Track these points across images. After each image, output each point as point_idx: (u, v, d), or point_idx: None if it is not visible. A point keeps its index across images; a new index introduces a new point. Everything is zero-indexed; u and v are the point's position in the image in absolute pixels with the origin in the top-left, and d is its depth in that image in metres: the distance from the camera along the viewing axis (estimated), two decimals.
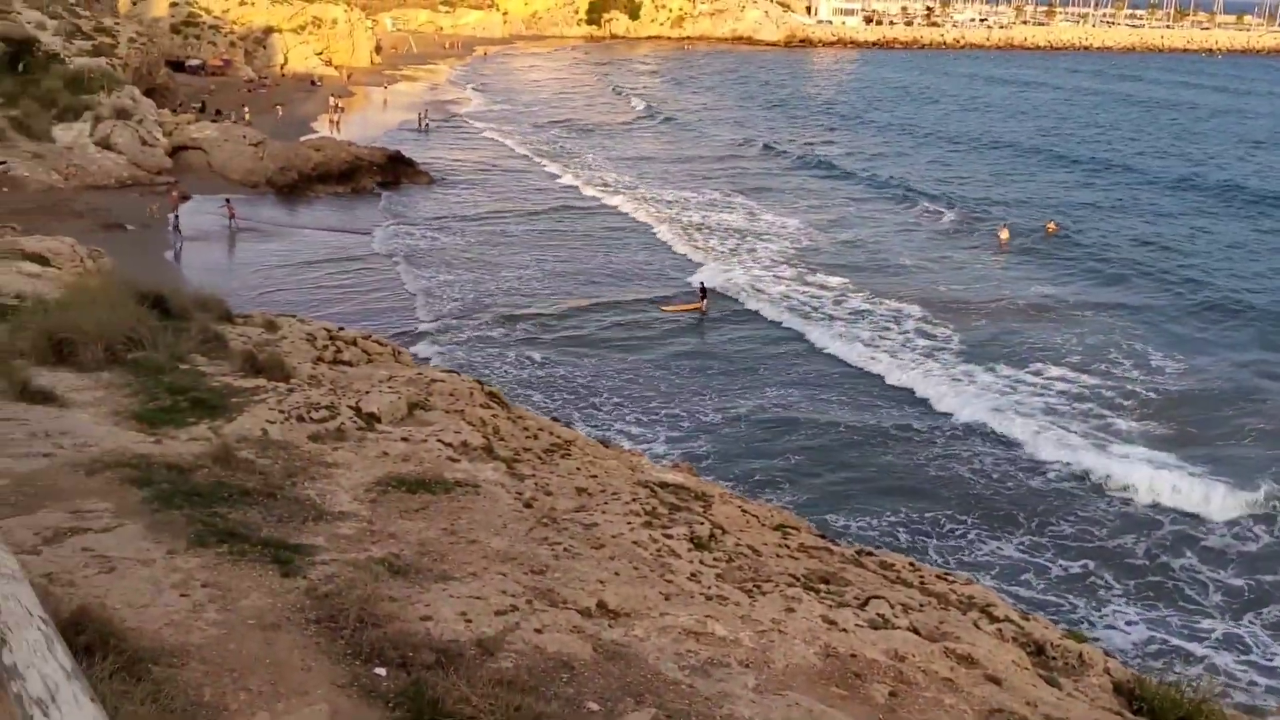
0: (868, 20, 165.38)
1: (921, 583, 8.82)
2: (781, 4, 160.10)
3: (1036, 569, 18.08)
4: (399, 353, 14.02)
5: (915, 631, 7.09)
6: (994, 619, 8.12)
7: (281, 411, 8.62)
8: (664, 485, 10.25)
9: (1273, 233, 46.27)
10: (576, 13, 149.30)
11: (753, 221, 44.37)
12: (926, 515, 19.71)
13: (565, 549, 7.11)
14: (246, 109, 58.02)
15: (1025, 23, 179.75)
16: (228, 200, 37.82)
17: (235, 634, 5.01)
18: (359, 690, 4.76)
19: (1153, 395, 25.87)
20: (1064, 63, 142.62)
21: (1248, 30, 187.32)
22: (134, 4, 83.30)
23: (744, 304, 32.58)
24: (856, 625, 6.80)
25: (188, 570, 5.57)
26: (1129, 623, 16.65)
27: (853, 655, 6.29)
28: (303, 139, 50.87)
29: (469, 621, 5.58)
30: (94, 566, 5.41)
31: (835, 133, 73.02)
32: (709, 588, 7.05)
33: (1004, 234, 43.13)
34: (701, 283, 33.30)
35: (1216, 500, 20.15)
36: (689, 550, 7.81)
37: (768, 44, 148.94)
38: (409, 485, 7.64)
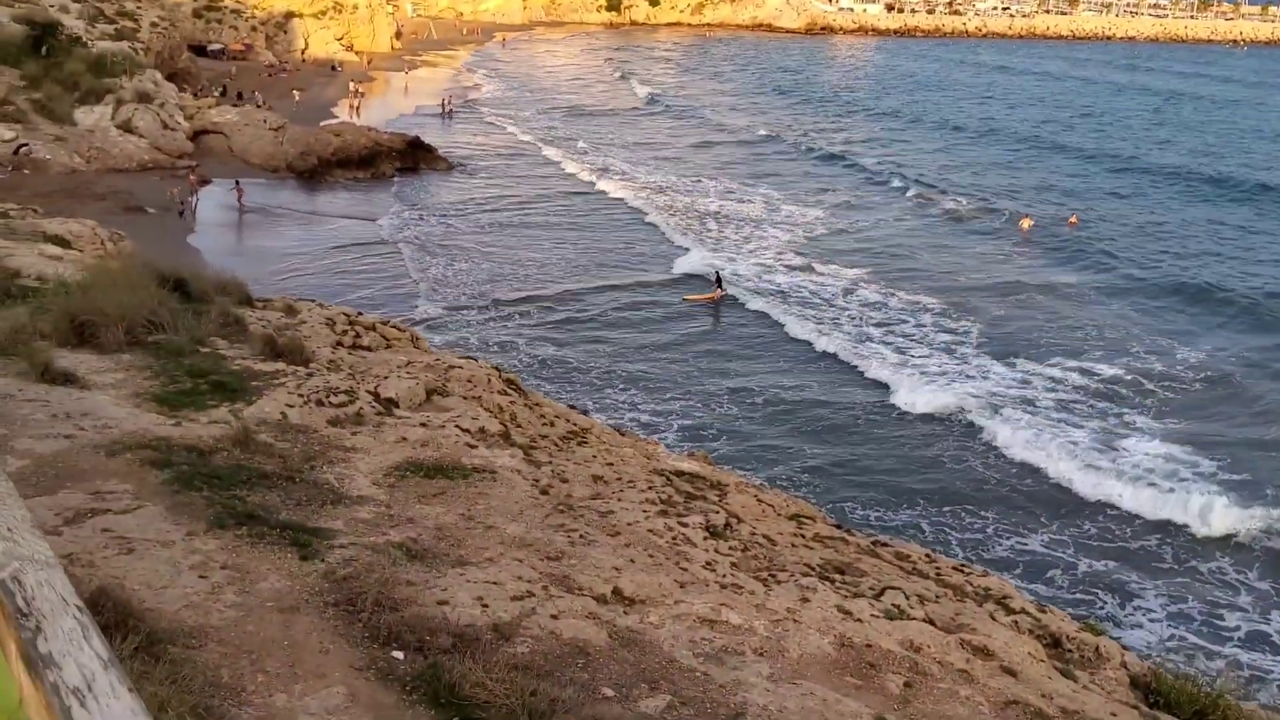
0: (889, 8, 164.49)
1: (938, 574, 8.80)
2: None
3: (1062, 564, 18.00)
4: (417, 339, 14.05)
5: (931, 622, 7.07)
6: (1010, 611, 8.09)
7: (301, 395, 8.66)
8: (679, 474, 10.26)
9: None
10: None
11: (770, 211, 44.29)
12: (945, 509, 19.66)
13: (581, 536, 7.13)
14: (257, 93, 58.00)
15: (1048, 11, 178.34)
16: (237, 182, 37.99)
17: (253, 616, 5.05)
18: (376, 673, 4.79)
19: (1175, 394, 25.50)
20: (1086, 53, 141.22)
21: (1273, 21, 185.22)
22: None
23: (753, 292, 32.45)
24: (872, 615, 6.79)
25: (207, 552, 5.61)
26: (1153, 619, 16.56)
27: (868, 645, 6.29)
28: (323, 124, 50.96)
29: (485, 606, 5.60)
30: (114, 547, 5.46)
31: (848, 120, 72.59)
32: (724, 576, 7.05)
33: (1026, 223, 42.90)
34: (717, 272, 33.25)
35: (1240, 509, 19.81)
36: (704, 539, 7.82)
37: (788, 31, 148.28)
38: (427, 470, 7.66)
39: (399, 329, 14.08)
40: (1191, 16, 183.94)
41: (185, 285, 11.24)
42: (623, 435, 12.63)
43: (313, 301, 13.68)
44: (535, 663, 5.15)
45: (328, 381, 9.21)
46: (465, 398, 10.20)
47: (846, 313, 30.93)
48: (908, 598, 7.51)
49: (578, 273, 33.76)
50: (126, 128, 41.33)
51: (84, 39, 45.32)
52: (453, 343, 25.54)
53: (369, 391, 9.21)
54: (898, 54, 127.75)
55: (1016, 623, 7.80)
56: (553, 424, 10.89)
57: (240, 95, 58.50)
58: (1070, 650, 7.79)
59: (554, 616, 5.68)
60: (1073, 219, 43.80)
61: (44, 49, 41.79)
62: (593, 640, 5.54)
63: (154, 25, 59.71)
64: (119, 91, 42.48)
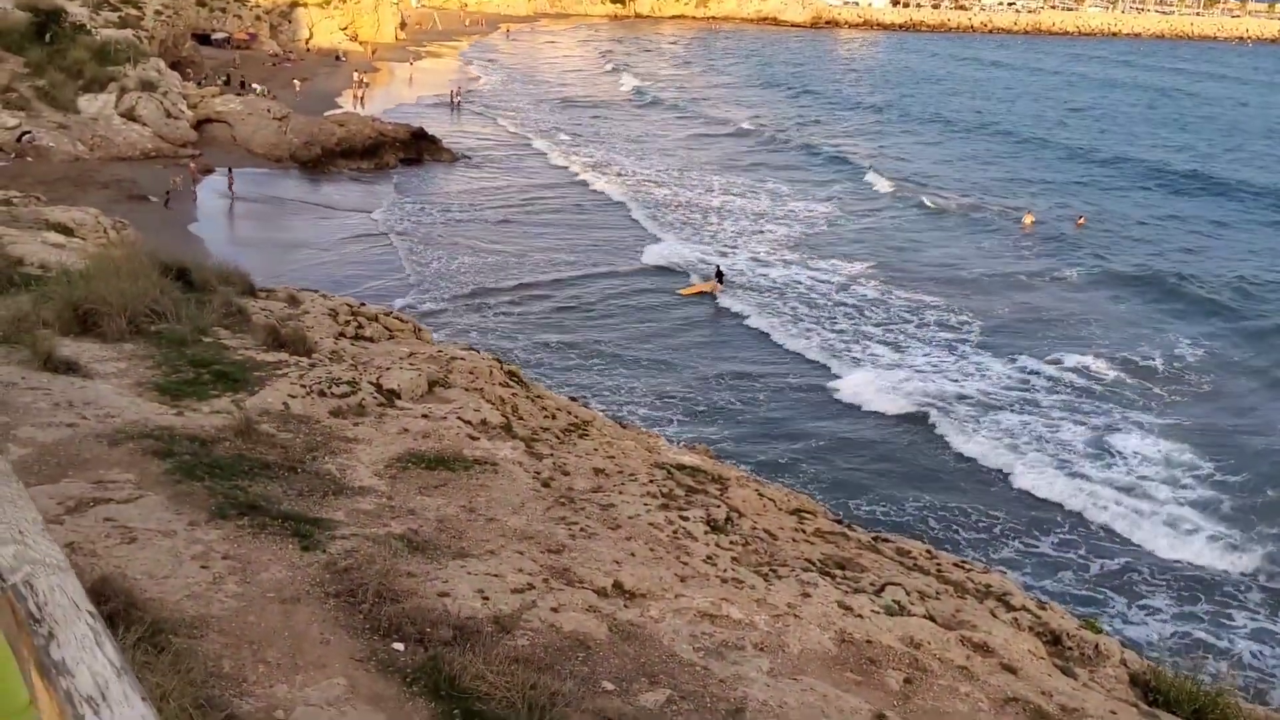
0: (895, 2, 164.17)
1: (938, 570, 8.80)
2: None
3: (1072, 565, 17.99)
4: (420, 330, 14.05)
5: (931, 619, 7.08)
6: (1011, 608, 8.10)
7: (303, 386, 8.66)
8: (680, 467, 10.26)
9: None
10: None
11: (772, 205, 44.32)
12: (950, 505, 19.65)
13: (582, 529, 7.13)
14: (256, 85, 57.78)
15: (1054, 7, 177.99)
16: (229, 170, 37.95)
17: (255, 606, 5.05)
18: (377, 664, 4.79)
19: (1179, 395, 25.41)
20: (1093, 50, 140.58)
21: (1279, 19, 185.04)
22: None
23: (749, 288, 32.41)
24: (872, 611, 6.79)
25: (208, 542, 5.62)
26: (1161, 619, 16.55)
27: (868, 641, 6.29)
28: (327, 114, 50.90)
29: (486, 599, 5.60)
30: (116, 537, 5.46)
31: (844, 115, 72.35)
32: (724, 571, 7.05)
33: (1028, 219, 42.86)
34: (718, 266, 33.27)
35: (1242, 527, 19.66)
36: (705, 533, 7.82)
37: (793, 25, 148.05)
38: (428, 462, 7.67)
39: (401, 320, 14.07)
40: (1197, 13, 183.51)
41: (188, 274, 11.24)
42: (624, 428, 12.63)
43: (315, 292, 13.67)
44: (535, 656, 5.16)
45: (330, 372, 9.21)
46: (467, 389, 10.20)
47: (843, 308, 30.88)
48: (908, 594, 7.51)
49: (564, 264, 33.92)
50: (130, 116, 41.30)
51: (88, 26, 45.24)
52: (452, 335, 25.59)
53: (371, 382, 9.21)
54: (900, 49, 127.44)
55: (1017, 620, 7.80)
56: (554, 416, 10.89)
57: (243, 84, 58.39)
58: (1070, 648, 7.80)
59: (554, 609, 5.68)
60: (1081, 220, 43.58)
61: (48, 36, 41.72)
62: (593, 633, 5.54)
63: (158, 13, 59.62)
64: (122, 80, 42.43)
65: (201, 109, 46.25)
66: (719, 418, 22.93)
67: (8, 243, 12.27)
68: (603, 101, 73.10)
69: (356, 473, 7.24)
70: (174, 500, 6.05)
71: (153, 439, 6.86)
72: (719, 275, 32.43)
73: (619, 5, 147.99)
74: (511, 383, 11.32)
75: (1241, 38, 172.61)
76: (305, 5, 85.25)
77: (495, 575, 5.93)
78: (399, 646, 4.96)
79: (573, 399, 14.09)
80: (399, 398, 9.21)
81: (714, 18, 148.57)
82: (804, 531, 9.10)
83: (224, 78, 59.96)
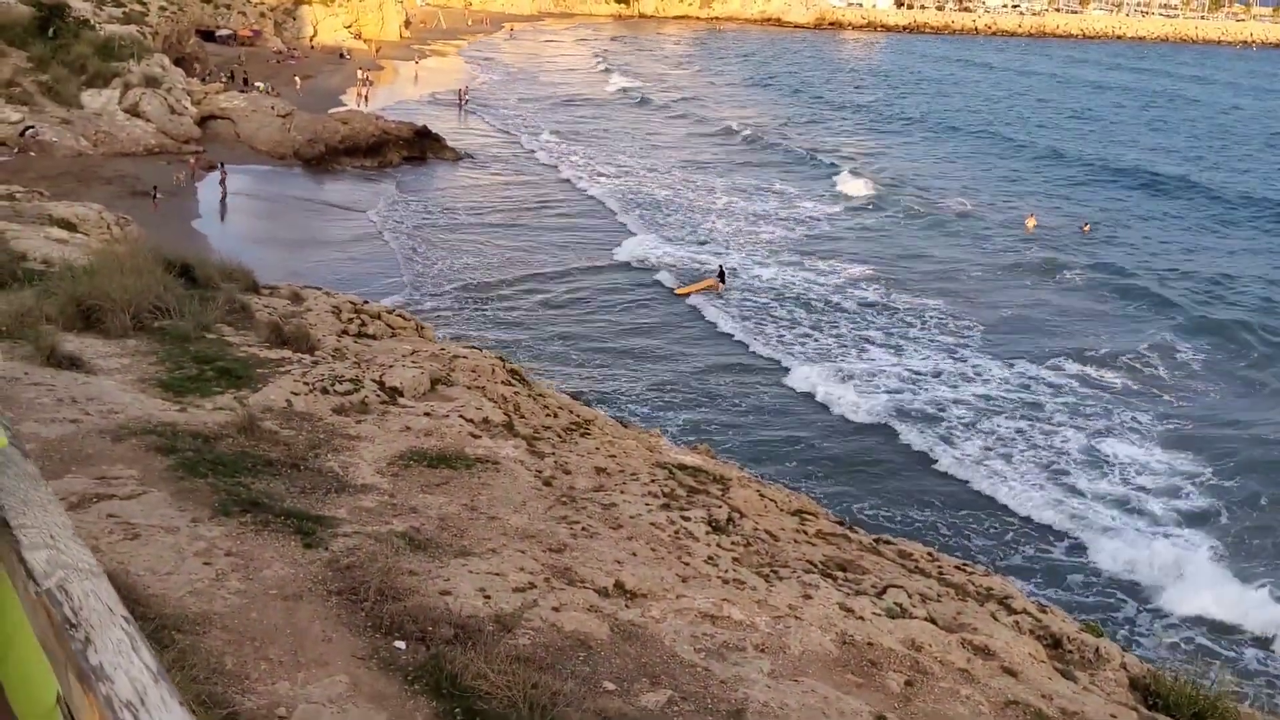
0: (899, 3, 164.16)
1: (940, 573, 8.80)
2: None
3: (1082, 570, 17.97)
4: (422, 328, 14.06)
5: (932, 621, 7.07)
6: (1012, 611, 8.09)
7: (306, 383, 8.66)
8: (682, 467, 10.25)
9: None
10: None
11: (769, 205, 44.34)
12: (961, 512, 19.63)
13: (584, 528, 7.13)
14: (259, 84, 57.73)
15: (1058, 10, 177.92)
16: (221, 165, 37.88)
17: (257, 604, 5.06)
18: (378, 662, 4.79)
19: (1184, 404, 25.27)
20: (1098, 54, 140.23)
21: None
22: None
23: (750, 290, 32.42)
24: (873, 613, 6.79)
25: (211, 539, 5.62)
26: (1169, 625, 16.54)
27: (869, 643, 6.29)
28: (331, 111, 50.92)
29: (488, 598, 5.61)
30: (119, 533, 5.46)
31: (842, 117, 72.26)
32: (726, 571, 7.05)
33: (1030, 221, 42.88)
34: (720, 265, 33.28)
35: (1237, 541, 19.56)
36: (706, 533, 7.82)
37: (797, 25, 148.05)
38: (430, 460, 7.67)
39: (404, 318, 14.08)
40: (1202, 17, 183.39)
41: (191, 271, 11.25)
42: (625, 427, 12.63)
43: (318, 289, 13.68)
44: (537, 655, 5.16)
45: (333, 369, 9.22)
46: (469, 387, 10.21)
47: (842, 311, 30.85)
48: (910, 596, 7.51)
49: (549, 263, 34.18)
50: (133, 112, 41.32)
51: (92, 22, 45.28)
52: (454, 333, 25.62)
53: (374, 380, 9.21)
54: (902, 51, 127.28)
55: (1018, 623, 7.80)
56: (556, 415, 10.89)
57: (246, 80, 58.40)
58: (1071, 651, 7.79)
59: (556, 609, 5.69)
60: (1085, 226, 43.48)
61: (51, 31, 41.75)
62: (594, 633, 5.54)
63: (162, 9, 59.64)
64: (126, 75, 42.46)
65: (205, 105, 46.27)
66: (715, 415, 22.96)
67: (11, 238, 12.29)
68: (596, 100, 73.22)
69: (359, 470, 7.24)
70: (177, 497, 6.05)
71: (156, 435, 6.87)
72: (720, 274, 32.43)
73: (623, 5, 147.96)
74: (514, 381, 11.32)
75: (1246, 42, 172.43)
76: (310, 3, 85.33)
77: (497, 574, 5.93)
78: (400, 645, 4.97)
79: (574, 397, 14.10)
80: (401, 395, 9.21)
81: (717, 18, 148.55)
82: (805, 533, 9.10)
83: (228, 74, 59.97)
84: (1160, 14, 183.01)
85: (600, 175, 48.08)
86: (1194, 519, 20.02)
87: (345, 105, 56.63)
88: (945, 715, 5.75)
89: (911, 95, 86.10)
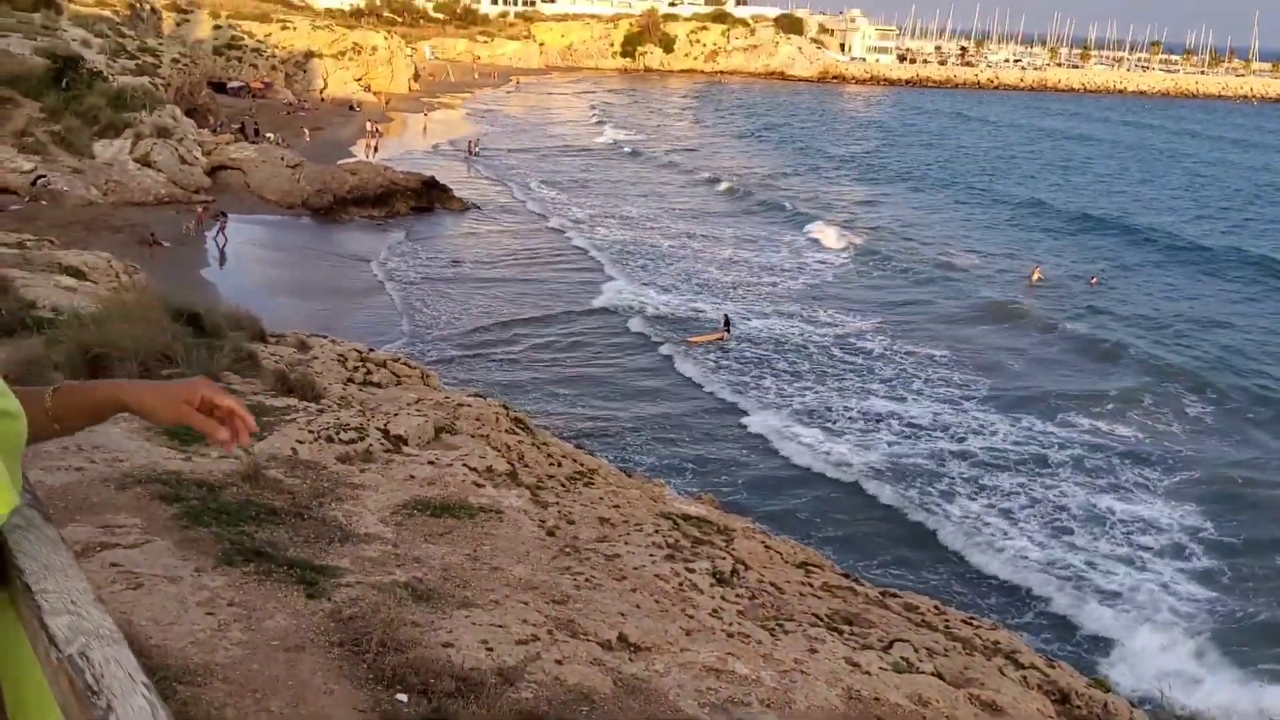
0: (901, 58, 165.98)
1: (947, 626, 8.72)
2: (815, 41, 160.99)
3: (1087, 626, 17.84)
4: (427, 376, 14.08)
5: (940, 676, 7.00)
6: (1020, 665, 8.01)
7: (311, 431, 8.67)
8: (686, 517, 10.22)
9: None
10: (611, 45, 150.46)
11: (766, 255, 44.58)
12: (966, 566, 19.50)
13: (587, 579, 7.09)
14: (270, 135, 58.30)
15: (1059, 65, 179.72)
16: (222, 214, 38.12)
17: (259, 654, 5.02)
18: (380, 716, 4.75)
19: (1189, 463, 24.94)
20: (1099, 109, 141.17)
21: None
22: (178, 25, 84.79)
23: (751, 340, 32.49)
24: (880, 668, 6.73)
25: (214, 589, 5.60)
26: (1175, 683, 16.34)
27: (876, 699, 6.23)
28: (340, 162, 51.39)
29: (490, 650, 5.57)
30: (122, 582, 5.44)
31: (834, 173, 72.04)
32: (730, 624, 7.00)
33: (1036, 274, 42.96)
34: (726, 315, 33.39)
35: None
36: (711, 585, 7.77)
37: (801, 79, 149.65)
38: (434, 509, 7.65)
39: (409, 365, 14.12)
40: (1202, 72, 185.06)
41: (199, 319, 11.30)
42: (629, 476, 12.60)
43: (325, 337, 13.73)
44: (539, 709, 5.11)
45: (338, 418, 9.23)
46: (473, 436, 10.21)
47: (844, 363, 30.82)
48: (916, 650, 7.44)
49: (537, 309, 34.48)
50: (144, 161, 41.72)
51: (105, 73, 45.89)
52: (458, 382, 25.67)
53: (379, 428, 9.22)
54: (903, 105, 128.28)
55: (1025, 678, 7.72)
56: (560, 463, 10.88)
57: (257, 131, 59.07)
58: (1079, 707, 7.71)
59: (559, 661, 5.64)
60: (1094, 279, 43.46)
61: (65, 82, 42.30)
62: (598, 687, 5.49)
63: (175, 61, 60.44)
64: (138, 126, 42.93)
65: (215, 155, 46.72)
66: (717, 465, 22.91)
67: (20, 285, 12.37)
68: (590, 151, 73.94)
69: (362, 519, 7.23)
70: (181, 545, 6.04)
71: (161, 483, 6.87)
72: (726, 324, 32.55)
73: (629, 59, 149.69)
74: (518, 429, 11.32)
75: (1246, 97, 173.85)
76: (321, 56, 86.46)
77: (499, 626, 5.89)
78: (403, 697, 4.93)
79: (578, 446, 14.07)
80: (406, 444, 9.21)
81: (722, 72, 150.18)
82: (811, 585, 9.04)
83: (239, 125, 60.67)
84: (1160, 69, 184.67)
85: (582, 223, 48.62)
86: (1198, 579, 19.83)
87: (354, 156, 57.17)
88: None
89: (910, 148, 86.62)
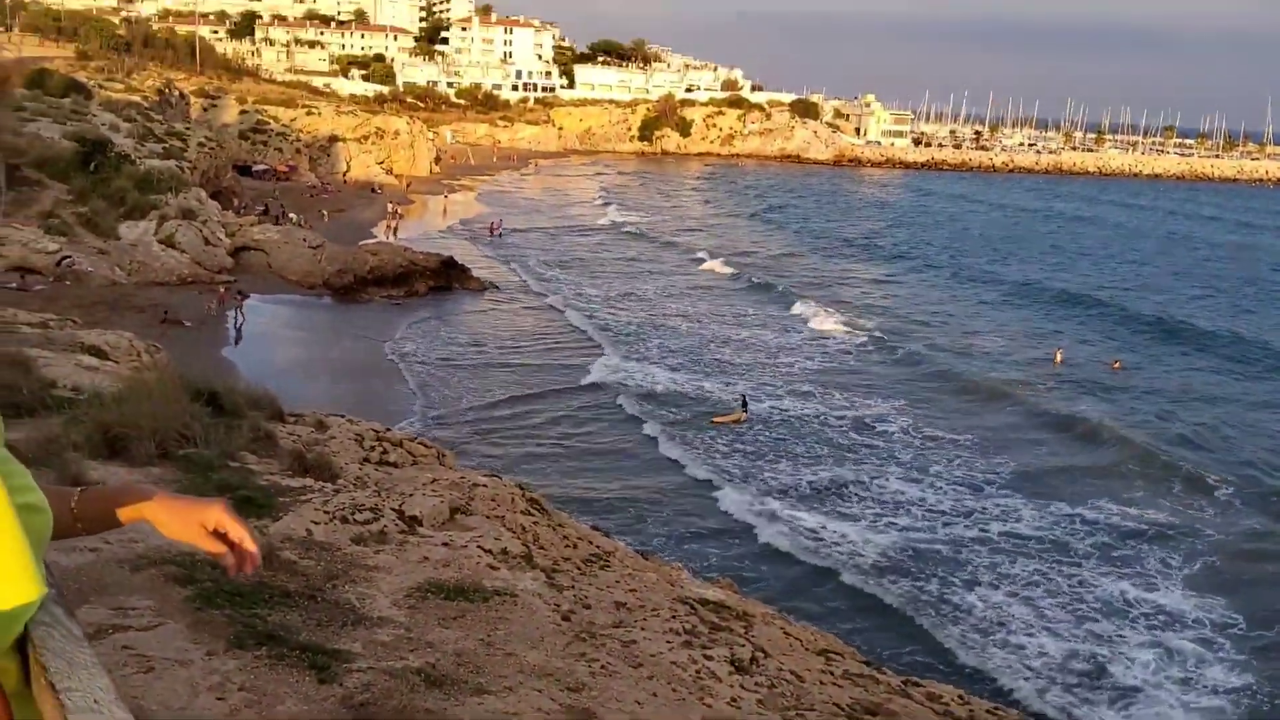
0: (916, 142, 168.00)
1: (970, 716, 8.52)
2: (831, 125, 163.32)
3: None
4: (443, 455, 14.06)
5: None
6: None
7: (326, 512, 8.63)
8: (704, 602, 10.07)
9: None
10: (629, 129, 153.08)
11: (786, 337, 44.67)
12: (989, 654, 19.14)
13: (603, 666, 6.97)
14: (293, 215, 59.21)
15: (1074, 148, 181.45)
16: (240, 294, 38.59)
17: None
18: None
19: (1213, 554, 24.46)
20: (1116, 194, 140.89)
21: None
22: (205, 110, 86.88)
23: (767, 422, 32.38)
24: None
25: (225, 673, 5.52)
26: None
27: None
28: (361, 243, 52.11)
29: None
30: (133, 665, 5.38)
31: (845, 257, 71.72)
32: (749, 714, 6.85)
33: (1059, 356, 42.85)
34: (743, 396, 33.34)
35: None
36: (729, 673, 7.62)
37: (816, 162, 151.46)
38: (448, 592, 7.57)
39: (426, 445, 14.11)
40: (1217, 155, 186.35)
41: (218, 398, 11.35)
42: (646, 559, 12.46)
43: (342, 417, 13.76)
44: None
45: (354, 498, 9.19)
46: (489, 517, 10.14)
47: (865, 446, 30.58)
48: None
49: (537, 384, 34.90)
50: (169, 242, 42.39)
51: (133, 157, 46.91)
52: (473, 462, 25.63)
53: (394, 509, 9.17)
54: (919, 189, 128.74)
55: None
56: (575, 546, 10.77)
57: (283, 211, 60.09)
58: None
59: None
60: (1116, 363, 42.96)
61: (93, 165, 43.23)
62: None
63: (201, 145, 61.80)
64: (163, 208, 43.73)
65: (239, 237, 47.47)
66: (729, 549, 22.70)
67: (42, 365, 12.48)
68: (597, 231, 74.73)
69: (376, 602, 7.15)
70: (193, 628, 5.98)
71: (174, 565, 6.83)
72: (744, 404, 32.49)
73: (645, 143, 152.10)
74: (533, 510, 11.24)
75: (1261, 180, 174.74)
76: (344, 140, 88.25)
77: (513, 714, 5.78)
78: None
79: (594, 528, 13.96)
80: (421, 525, 9.15)
81: (738, 155, 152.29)
82: (832, 673, 8.86)
83: (263, 207, 61.76)
84: (1175, 153, 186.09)
85: (580, 304, 49.07)
86: (1228, 670, 19.39)
87: (375, 237, 57.96)
88: None
89: (925, 231, 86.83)
